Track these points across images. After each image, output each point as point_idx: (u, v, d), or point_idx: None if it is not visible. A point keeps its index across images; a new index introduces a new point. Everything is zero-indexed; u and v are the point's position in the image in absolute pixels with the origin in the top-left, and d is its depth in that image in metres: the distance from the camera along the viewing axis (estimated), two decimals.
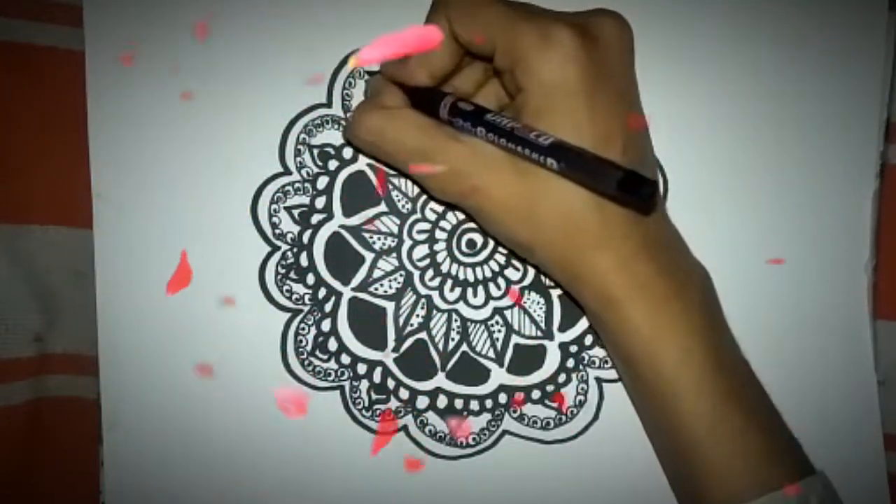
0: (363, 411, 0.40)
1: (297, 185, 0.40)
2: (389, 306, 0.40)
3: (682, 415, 0.35)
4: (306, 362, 0.40)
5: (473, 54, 0.36)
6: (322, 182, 0.40)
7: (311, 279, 0.40)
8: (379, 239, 0.40)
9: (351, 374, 0.40)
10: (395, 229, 0.40)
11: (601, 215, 0.34)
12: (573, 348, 0.41)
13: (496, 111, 0.35)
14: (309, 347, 0.40)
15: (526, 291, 0.41)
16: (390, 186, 0.40)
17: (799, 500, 0.34)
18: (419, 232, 0.40)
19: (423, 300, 0.40)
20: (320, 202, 0.40)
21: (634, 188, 0.29)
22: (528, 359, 0.41)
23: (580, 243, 0.35)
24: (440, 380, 0.40)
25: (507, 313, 0.41)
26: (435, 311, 0.40)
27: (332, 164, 0.40)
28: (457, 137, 0.35)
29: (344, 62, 0.39)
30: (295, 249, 0.40)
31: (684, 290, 0.35)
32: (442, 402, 0.40)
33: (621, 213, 0.35)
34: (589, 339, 0.41)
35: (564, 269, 0.36)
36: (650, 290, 0.35)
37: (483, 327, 0.40)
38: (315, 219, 0.40)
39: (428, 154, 0.35)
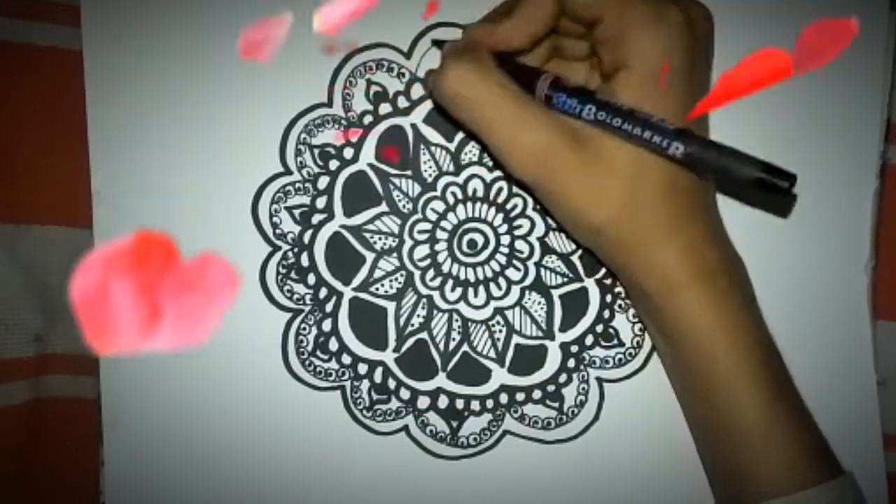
0: (364, 411, 0.40)
1: (297, 185, 0.40)
2: (390, 306, 0.40)
3: (732, 406, 0.35)
4: (307, 362, 0.40)
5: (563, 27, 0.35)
6: (323, 182, 0.40)
7: (311, 279, 0.40)
8: (380, 239, 0.40)
9: (352, 375, 0.40)
10: (396, 229, 0.40)
11: (671, 199, 0.34)
12: (574, 348, 0.41)
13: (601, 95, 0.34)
14: (310, 347, 0.40)
15: (527, 292, 0.41)
16: (391, 186, 0.40)
17: (839, 496, 0.34)
18: (420, 232, 0.40)
19: (423, 300, 0.40)
20: (321, 202, 0.40)
21: (771, 182, 0.30)
22: (529, 359, 0.41)
23: (649, 227, 0.34)
24: (441, 380, 0.40)
25: (508, 313, 0.41)
26: (436, 311, 0.40)
27: (333, 164, 0.40)
28: (548, 113, 0.34)
29: (344, 62, 0.39)
30: (296, 249, 0.40)
31: (741, 279, 0.36)
32: (443, 402, 0.40)
33: (690, 198, 0.35)
34: (590, 339, 0.41)
35: (629, 252, 0.35)
36: (715, 277, 0.35)
37: (484, 327, 0.40)
38: (316, 219, 0.40)
39: (517, 124, 0.33)
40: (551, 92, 0.34)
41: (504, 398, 0.40)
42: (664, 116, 0.32)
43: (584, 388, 0.41)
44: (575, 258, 0.41)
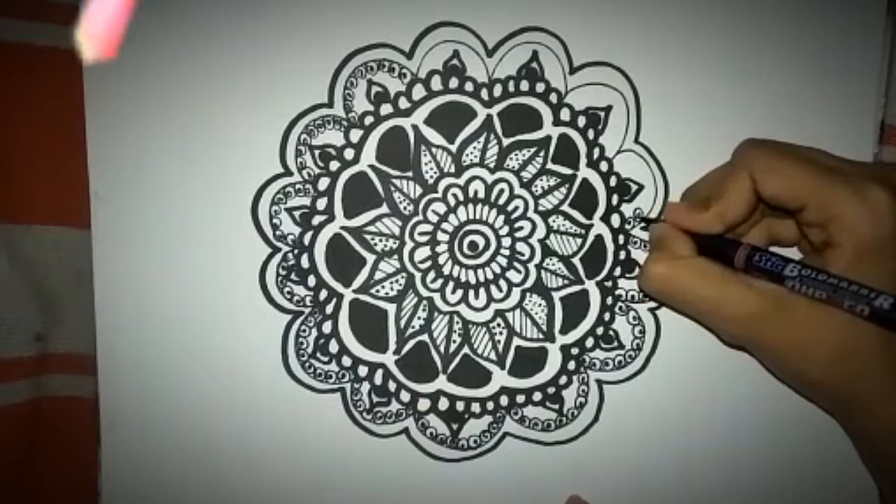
0: (364, 414, 0.40)
1: (298, 186, 0.39)
2: (391, 308, 0.40)
3: None
4: (307, 364, 0.40)
5: (769, 206, 0.37)
6: (323, 183, 0.40)
7: (312, 281, 0.40)
8: (380, 241, 0.40)
9: (352, 377, 0.40)
10: (397, 231, 0.40)
11: (888, 355, 0.35)
12: (574, 350, 0.41)
13: (798, 262, 0.35)
14: (310, 349, 0.40)
15: (528, 294, 0.40)
16: (392, 188, 0.40)
17: None
18: (421, 234, 0.40)
19: (424, 302, 0.40)
20: (321, 203, 0.40)
21: None
22: (529, 361, 0.40)
23: (874, 383, 0.35)
24: (441, 382, 0.40)
25: (509, 315, 0.40)
26: (436, 314, 0.40)
27: (334, 165, 0.40)
28: (749, 284, 0.36)
29: (345, 62, 0.39)
30: (296, 251, 0.40)
31: None
32: (443, 404, 0.40)
33: None
34: (590, 342, 0.41)
35: (846, 405, 0.36)
36: None
37: (484, 329, 0.40)
38: (316, 220, 0.40)
39: (720, 302, 0.36)
40: (751, 263, 0.36)
41: (504, 400, 0.40)
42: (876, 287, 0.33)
43: (583, 391, 0.40)
44: (576, 260, 0.41)
